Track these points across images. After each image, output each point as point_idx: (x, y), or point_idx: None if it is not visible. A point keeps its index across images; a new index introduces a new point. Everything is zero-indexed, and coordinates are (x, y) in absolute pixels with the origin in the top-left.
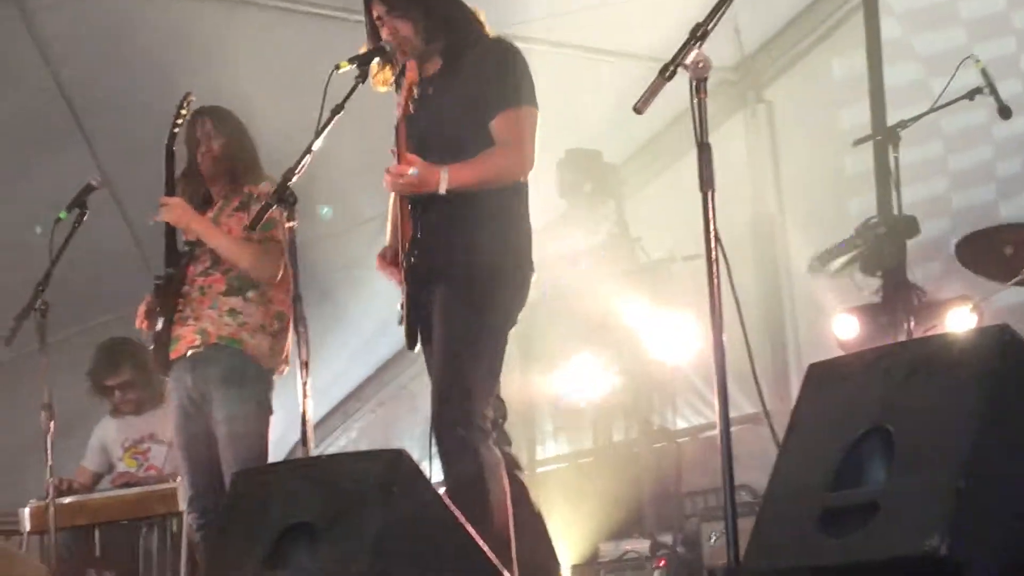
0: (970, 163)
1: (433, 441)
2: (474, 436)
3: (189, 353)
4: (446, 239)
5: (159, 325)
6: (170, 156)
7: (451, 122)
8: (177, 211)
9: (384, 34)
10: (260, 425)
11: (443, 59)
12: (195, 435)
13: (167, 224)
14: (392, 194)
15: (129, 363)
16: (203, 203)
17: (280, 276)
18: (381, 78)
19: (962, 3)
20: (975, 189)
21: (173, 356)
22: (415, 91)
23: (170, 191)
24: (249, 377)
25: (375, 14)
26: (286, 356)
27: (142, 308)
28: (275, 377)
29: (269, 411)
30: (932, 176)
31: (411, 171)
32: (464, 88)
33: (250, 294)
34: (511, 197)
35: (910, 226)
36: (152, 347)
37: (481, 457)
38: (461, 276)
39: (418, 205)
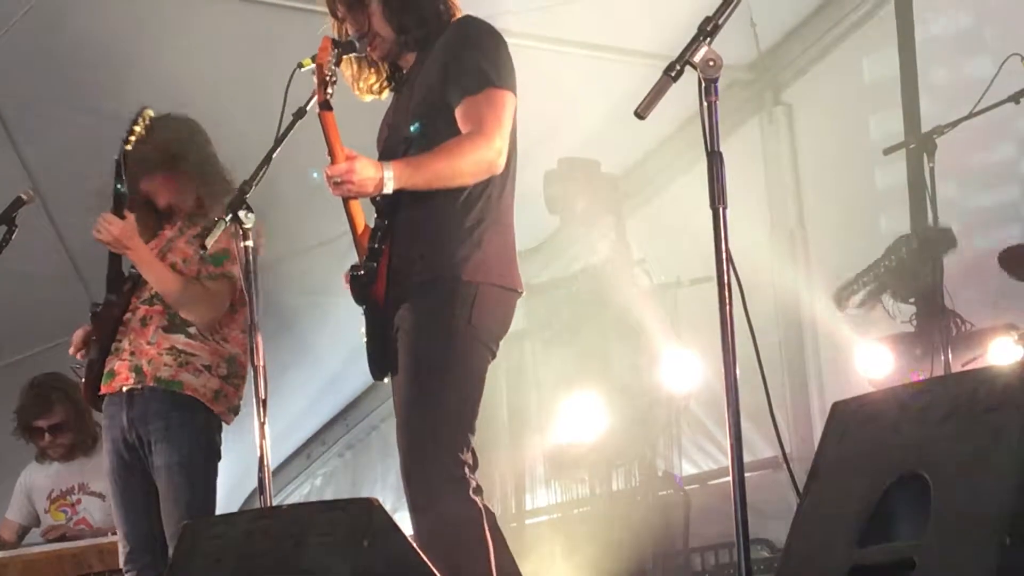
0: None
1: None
2: (448, 488)
3: (124, 389)
4: (412, 250)
5: (93, 355)
6: (120, 171)
7: (415, 115)
8: (113, 232)
9: (350, 30)
10: (207, 473)
11: (417, 51)
12: (131, 483)
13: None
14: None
15: (62, 403)
16: (165, 219)
17: (233, 318)
18: (364, 86)
19: None
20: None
21: (104, 391)
22: (330, 74)
23: (118, 209)
24: (193, 421)
25: (339, 13)
26: (236, 405)
27: (79, 334)
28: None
29: (217, 456)
30: (973, 185)
31: (344, 169)
32: (427, 77)
33: (193, 330)
34: (489, 200)
35: (945, 238)
36: (83, 379)
37: (456, 509)
38: (430, 296)
39: (381, 208)
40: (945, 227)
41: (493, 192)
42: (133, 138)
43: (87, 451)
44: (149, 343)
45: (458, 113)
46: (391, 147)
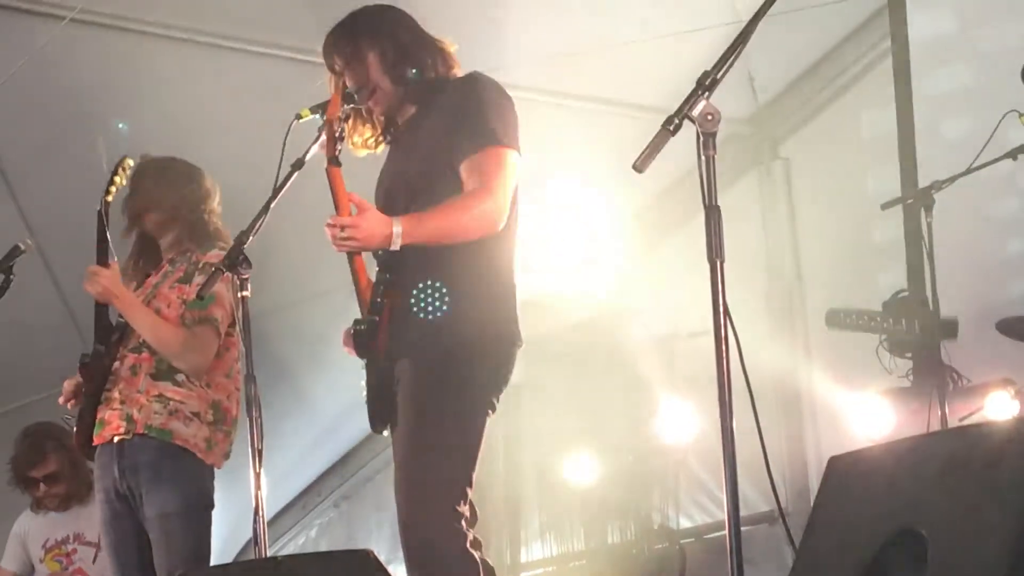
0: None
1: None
2: (446, 541)
3: (115, 439)
4: (413, 305)
5: (84, 405)
6: (102, 221)
7: (417, 169)
8: (103, 282)
9: (349, 83)
10: (200, 522)
11: (416, 104)
12: (124, 534)
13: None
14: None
15: (57, 453)
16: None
17: (216, 363)
18: (359, 140)
19: (996, 37)
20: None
21: (96, 441)
22: (339, 130)
23: (102, 259)
24: (184, 470)
25: (336, 67)
26: (227, 452)
27: (69, 384)
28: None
29: (210, 505)
30: (971, 238)
31: (350, 223)
32: (432, 130)
33: (181, 377)
34: (492, 255)
35: (947, 328)
36: (75, 428)
37: (453, 563)
38: (431, 350)
39: (384, 261)
40: (950, 319)
41: (495, 247)
42: (113, 188)
43: (82, 500)
44: (139, 391)
45: (462, 169)
46: (392, 199)
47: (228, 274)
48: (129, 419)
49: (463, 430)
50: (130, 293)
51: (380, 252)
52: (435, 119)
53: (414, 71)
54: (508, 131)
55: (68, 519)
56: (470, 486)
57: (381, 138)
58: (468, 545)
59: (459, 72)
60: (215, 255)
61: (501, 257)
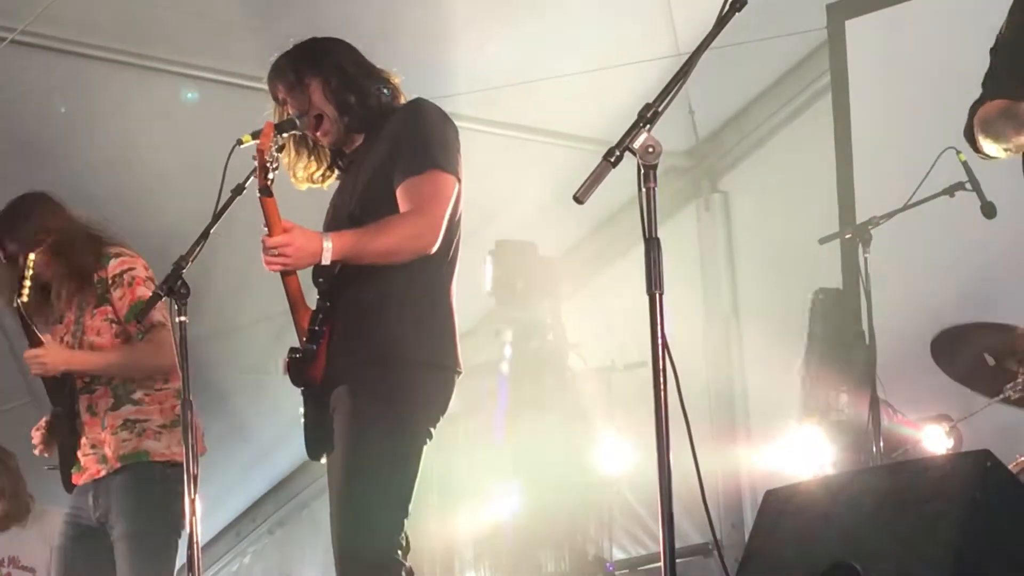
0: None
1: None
2: (379, 570)
3: (92, 481)
4: (352, 330)
5: (61, 456)
6: (22, 316)
7: (360, 196)
8: (46, 362)
9: (292, 112)
10: (165, 545)
11: (362, 132)
12: (86, 553)
13: None
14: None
15: (0, 472)
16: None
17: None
18: (303, 174)
19: (936, 75)
20: (955, 292)
21: (76, 481)
22: (271, 160)
23: (34, 342)
24: (153, 492)
25: (279, 95)
26: (200, 433)
27: (38, 435)
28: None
29: (177, 530)
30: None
31: (280, 241)
32: (375, 158)
33: (137, 395)
34: (431, 283)
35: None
36: (59, 467)
37: None
38: (369, 378)
39: (324, 289)
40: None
41: (435, 274)
42: (27, 284)
43: (21, 521)
44: (103, 428)
45: (399, 192)
46: (335, 226)
47: (164, 298)
48: (103, 459)
49: (400, 458)
50: (72, 356)
51: (320, 280)
52: (379, 147)
53: (357, 98)
54: (447, 156)
55: (4, 541)
56: (406, 515)
57: (328, 172)
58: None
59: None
60: (117, 264)
61: (440, 285)
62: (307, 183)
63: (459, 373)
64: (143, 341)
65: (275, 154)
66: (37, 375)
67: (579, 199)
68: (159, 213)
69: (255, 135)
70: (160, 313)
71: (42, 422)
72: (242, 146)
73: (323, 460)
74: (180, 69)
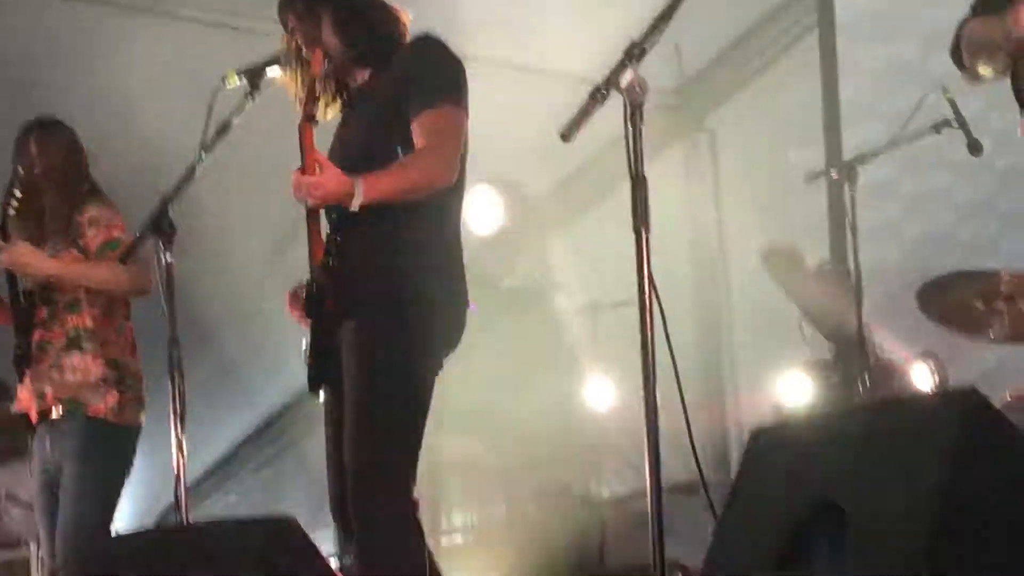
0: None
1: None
2: (397, 519)
3: (38, 412)
4: (363, 263)
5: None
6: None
7: (371, 130)
8: (21, 255)
9: (300, 41)
10: (106, 489)
11: (369, 67)
12: (53, 502)
13: (8, 280)
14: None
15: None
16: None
17: (105, 321)
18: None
19: (921, 13)
20: (942, 230)
21: (34, 420)
22: (320, 90)
23: (3, 235)
24: (104, 447)
25: (289, 24)
26: (140, 409)
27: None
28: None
29: (122, 473)
30: (895, 213)
31: (314, 181)
32: (385, 92)
33: (86, 345)
34: (440, 215)
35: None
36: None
37: (405, 546)
38: (381, 310)
39: (335, 222)
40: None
41: (444, 207)
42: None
43: (21, 456)
44: (53, 367)
45: (414, 126)
46: (349, 161)
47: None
48: (41, 395)
49: (412, 394)
50: (38, 258)
51: (333, 214)
52: (387, 82)
53: (365, 33)
54: (459, 90)
55: (1, 476)
56: (419, 450)
57: (332, 104)
58: (417, 527)
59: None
60: (95, 211)
61: (451, 215)
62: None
63: (468, 307)
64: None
65: (323, 78)
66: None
67: (565, 137)
68: (140, 157)
69: (241, 73)
70: (119, 231)
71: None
72: (228, 86)
73: (321, 396)
74: (166, 8)
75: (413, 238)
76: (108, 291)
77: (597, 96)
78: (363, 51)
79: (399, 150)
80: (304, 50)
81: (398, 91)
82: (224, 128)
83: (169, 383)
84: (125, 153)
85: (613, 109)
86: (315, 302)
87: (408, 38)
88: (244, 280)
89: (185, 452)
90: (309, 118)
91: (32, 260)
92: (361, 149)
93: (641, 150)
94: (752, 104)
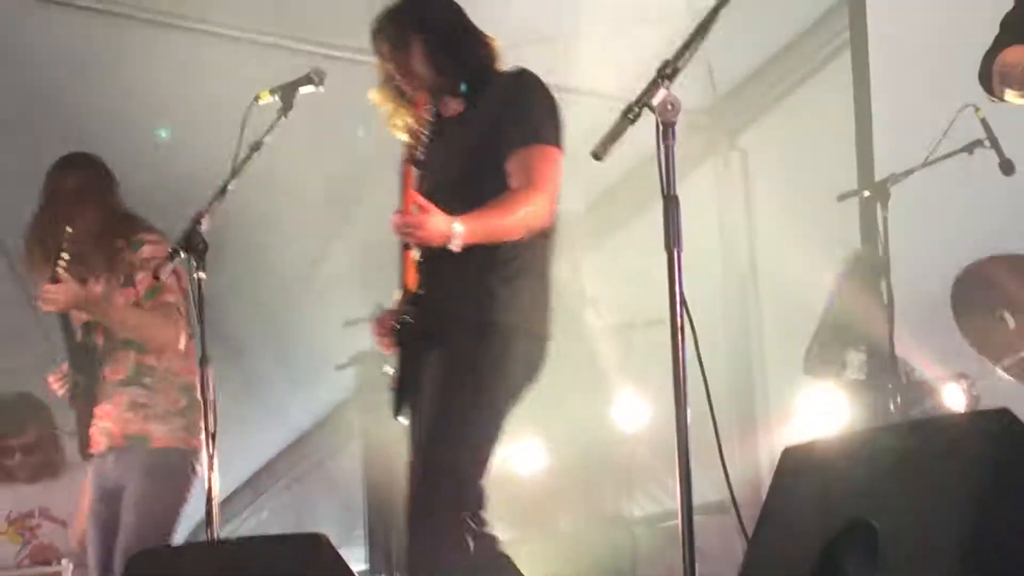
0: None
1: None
2: (465, 536)
3: (106, 448)
4: (453, 293)
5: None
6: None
7: (463, 164)
8: (61, 296)
9: (392, 69)
10: (173, 501)
11: (464, 98)
12: (107, 517)
13: (61, 318)
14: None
15: (35, 423)
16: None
17: (182, 344)
18: (401, 123)
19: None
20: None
21: (92, 450)
22: (421, 127)
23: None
24: (171, 468)
25: (383, 53)
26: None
27: (54, 379)
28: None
29: (188, 483)
30: (927, 232)
31: (416, 222)
32: (479, 126)
33: (147, 380)
34: (531, 249)
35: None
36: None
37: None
38: (467, 341)
39: (425, 255)
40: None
41: (536, 242)
42: (64, 258)
43: (53, 474)
44: (110, 404)
45: (510, 164)
46: (438, 194)
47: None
48: (108, 434)
49: (488, 425)
50: (88, 296)
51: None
52: (482, 114)
53: (455, 62)
54: (554, 130)
55: (36, 492)
56: (483, 484)
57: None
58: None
59: (501, 66)
60: (148, 250)
61: (543, 252)
62: (403, 132)
63: (549, 340)
64: (151, 311)
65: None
66: (49, 310)
67: (598, 155)
68: (171, 176)
69: (273, 91)
70: (172, 294)
71: (63, 367)
72: (260, 103)
73: (402, 419)
74: (196, 25)
75: (504, 271)
76: (137, 337)
77: (629, 115)
78: (452, 79)
79: (492, 184)
80: (399, 78)
81: (494, 124)
82: (257, 146)
83: (201, 401)
84: (153, 169)
85: (645, 128)
86: (408, 331)
87: (499, 63)
88: (276, 297)
89: (216, 468)
90: (412, 160)
91: (69, 297)
92: (454, 181)
93: (673, 169)
94: (784, 123)
